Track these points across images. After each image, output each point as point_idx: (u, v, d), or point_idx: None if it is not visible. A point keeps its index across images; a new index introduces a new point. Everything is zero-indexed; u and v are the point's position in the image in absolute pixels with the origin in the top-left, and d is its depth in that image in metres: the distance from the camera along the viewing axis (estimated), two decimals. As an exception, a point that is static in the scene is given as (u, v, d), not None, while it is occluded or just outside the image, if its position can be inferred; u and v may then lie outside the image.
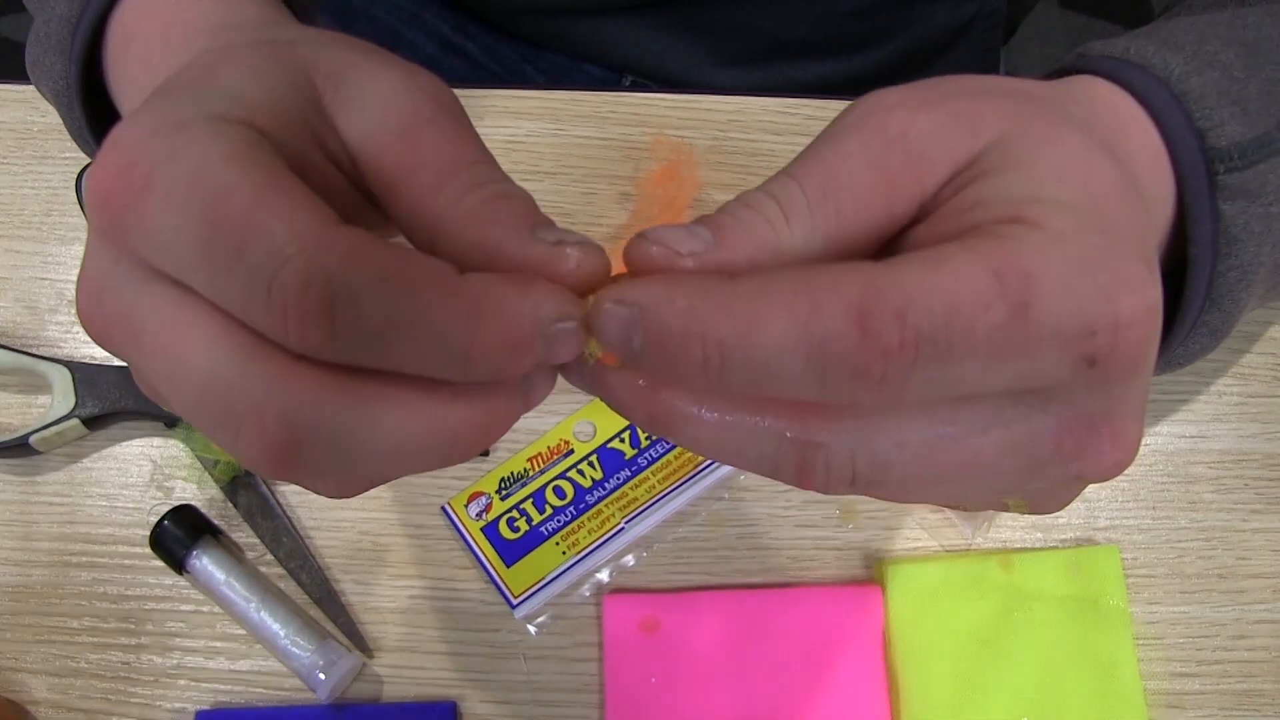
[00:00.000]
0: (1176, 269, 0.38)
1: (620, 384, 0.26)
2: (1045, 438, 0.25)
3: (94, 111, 0.41)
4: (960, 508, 0.30)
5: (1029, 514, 0.29)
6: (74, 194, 0.57)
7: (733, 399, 0.25)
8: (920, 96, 0.28)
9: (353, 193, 0.29)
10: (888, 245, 0.28)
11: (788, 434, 0.25)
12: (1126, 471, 0.52)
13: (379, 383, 0.24)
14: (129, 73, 0.38)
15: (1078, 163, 0.26)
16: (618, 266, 0.27)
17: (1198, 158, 0.36)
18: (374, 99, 0.28)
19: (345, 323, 0.23)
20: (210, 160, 0.24)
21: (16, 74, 0.57)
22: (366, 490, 0.27)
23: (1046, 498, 0.29)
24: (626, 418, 0.27)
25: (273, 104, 0.26)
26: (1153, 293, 0.25)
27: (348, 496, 0.27)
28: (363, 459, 0.25)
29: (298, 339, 0.23)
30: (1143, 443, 0.54)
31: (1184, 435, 0.54)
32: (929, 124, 0.27)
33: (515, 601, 0.51)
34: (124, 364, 0.54)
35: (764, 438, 0.25)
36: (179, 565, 0.50)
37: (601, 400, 0.27)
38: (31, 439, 0.52)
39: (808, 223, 0.27)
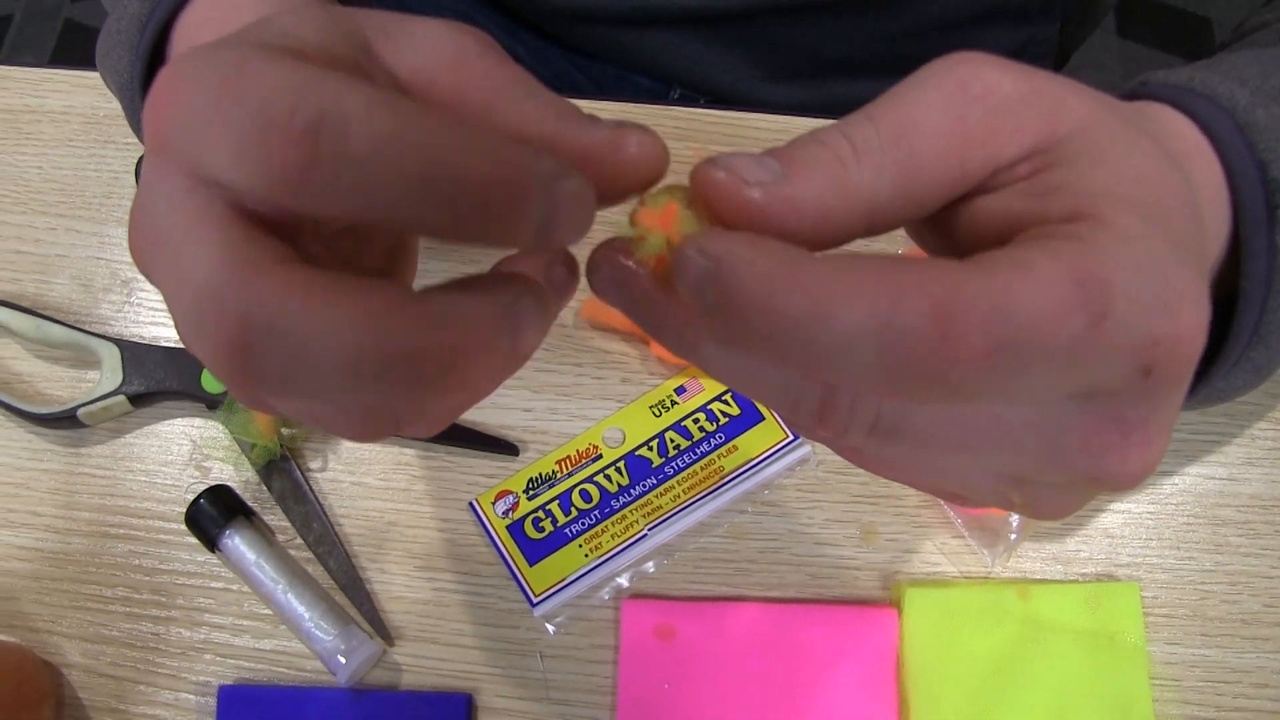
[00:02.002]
0: (1220, 304, 0.38)
1: (655, 301, 0.26)
2: (1076, 430, 0.25)
3: None
4: (965, 499, 0.29)
5: (1031, 516, 0.29)
6: (133, 179, 0.59)
7: None
8: (1006, 63, 0.28)
9: None
10: (953, 207, 0.28)
11: None
12: (1154, 508, 0.52)
13: (346, 283, 0.23)
14: None
15: (1154, 172, 0.26)
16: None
17: (1258, 190, 0.35)
18: (424, 40, 0.29)
19: (331, 144, 0.22)
20: (243, 52, 0.24)
21: (86, 60, 0.59)
22: (341, 424, 0.26)
23: (1055, 498, 0.28)
24: (654, 334, 0.26)
25: (323, 46, 0.27)
26: (1207, 309, 0.25)
27: (332, 429, 0.26)
28: (316, 367, 0.23)
29: (280, 166, 0.22)
30: (1171, 481, 0.54)
31: (1214, 477, 0.54)
32: (1014, 90, 0.27)
33: (536, 600, 0.52)
34: (171, 345, 0.56)
35: (791, 372, 0.25)
36: (211, 543, 0.51)
37: (630, 316, 0.27)
38: (79, 412, 0.54)
39: (879, 164, 0.26)
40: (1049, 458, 0.26)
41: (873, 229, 0.27)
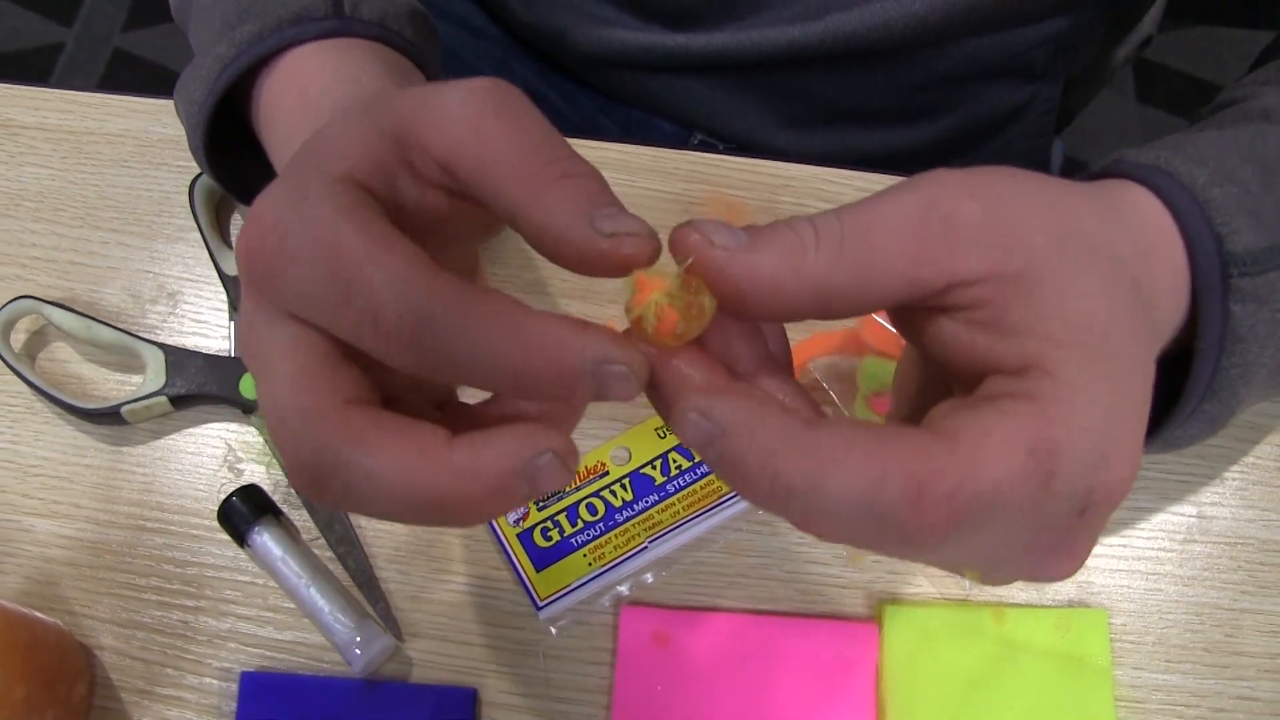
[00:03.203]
0: (1184, 354, 0.41)
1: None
2: (1020, 545, 0.30)
3: (213, 138, 0.50)
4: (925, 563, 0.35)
5: (978, 582, 0.34)
6: (184, 198, 0.63)
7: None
8: (978, 182, 0.31)
9: (455, 203, 0.34)
10: (924, 319, 0.32)
11: None
12: (1126, 540, 0.56)
13: (393, 433, 0.29)
14: (276, 134, 0.47)
15: (1105, 309, 0.30)
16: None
17: (1214, 260, 0.39)
18: (447, 111, 0.32)
19: (429, 347, 0.28)
20: (327, 221, 0.29)
21: (134, 87, 0.64)
22: (392, 520, 0.31)
23: (998, 577, 0.33)
24: (663, 415, 0.31)
25: (365, 153, 0.32)
26: (1139, 456, 0.30)
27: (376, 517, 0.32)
28: (363, 498, 0.29)
29: (398, 360, 0.28)
30: (1143, 517, 0.57)
31: (1183, 514, 0.57)
32: (980, 215, 0.30)
33: (541, 604, 0.55)
34: (211, 353, 0.60)
35: None
36: (241, 539, 0.55)
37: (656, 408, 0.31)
38: (123, 410, 0.58)
39: (835, 254, 0.30)
40: (997, 561, 0.31)
41: (825, 313, 0.31)
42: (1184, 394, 0.41)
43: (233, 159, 0.52)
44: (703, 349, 0.31)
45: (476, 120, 0.32)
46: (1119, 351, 0.30)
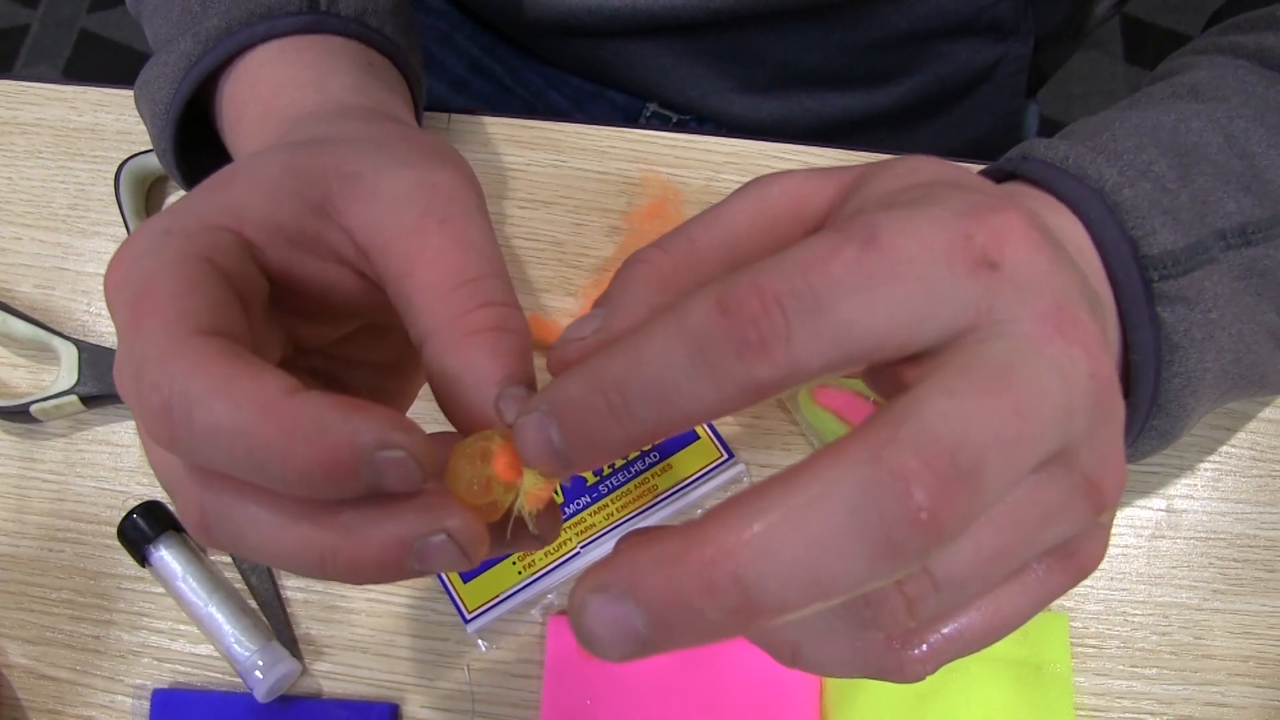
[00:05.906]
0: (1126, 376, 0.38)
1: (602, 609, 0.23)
2: (1075, 488, 0.25)
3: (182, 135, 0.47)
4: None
5: (1079, 577, 0.29)
6: (100, 190, 0.60)
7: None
8: (806, 170, 0.31)
9: (363, 285, 0.32)
10: None
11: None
12: (1086, 540, 0.52)
13: (258, 492, 0.26)
14: (240, 146, 0.43)
15: (928, 163, 0.28)
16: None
17: (1132, 265, 0.37)
18: (388, 195, 0.30)
19: (180, 426, 0.25)
20: (154, 270, 0.27)
21: (106, 68, 0.60)
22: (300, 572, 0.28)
23: (1089, 548, 0.29)
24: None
25: (266, 215, 0.30)
26: (1022, 207, 0.25)
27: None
28: (255, 553, 0.27)
29: (151, 434, 0.26)
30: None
31: (1152, 508, 0.53)
32: (805, 176, 0.30)
33: (469, 616, 0.52)
34: (123, 354, 0.57)
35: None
36: (142, 558, 0.52)
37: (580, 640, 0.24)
38: (32, 408, 0.55)
39: (688, 248, 0.29)
40: (1070, 520, 0.26)
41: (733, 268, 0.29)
42: (1129, 412, 0.38)
43: (197, 154, 0.48)
44: None
45: (419, 222, 0.30)
46: (954, 172, 0.28)
